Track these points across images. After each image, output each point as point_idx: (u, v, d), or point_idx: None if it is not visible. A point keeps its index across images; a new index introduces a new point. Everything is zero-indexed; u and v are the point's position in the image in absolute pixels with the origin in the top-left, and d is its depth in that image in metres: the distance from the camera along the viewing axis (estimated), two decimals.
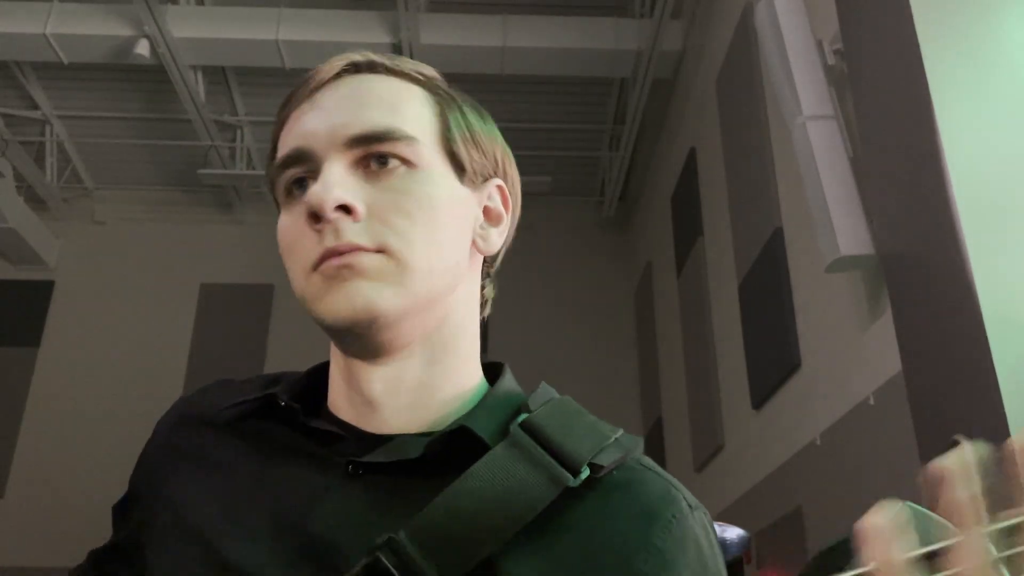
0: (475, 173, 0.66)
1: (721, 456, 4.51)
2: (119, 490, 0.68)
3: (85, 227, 7.08)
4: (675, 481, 0.61)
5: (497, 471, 0.55)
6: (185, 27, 5.12)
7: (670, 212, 5.70)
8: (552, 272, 6.73)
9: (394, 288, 0.59)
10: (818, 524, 3.16)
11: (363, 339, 0.60)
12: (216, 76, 5.86)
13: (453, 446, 0.58)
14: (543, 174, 6.14)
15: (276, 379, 0.70)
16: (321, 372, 0.69)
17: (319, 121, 0.62)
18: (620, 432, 0.61)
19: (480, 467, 0.55)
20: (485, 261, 0.70)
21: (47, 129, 6.41)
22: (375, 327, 0.59)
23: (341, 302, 0.58)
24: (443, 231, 0.62)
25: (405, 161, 0.61)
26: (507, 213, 0.69)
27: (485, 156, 0.67)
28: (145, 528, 0.63)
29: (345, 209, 0.58)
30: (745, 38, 3.99)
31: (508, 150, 0.71)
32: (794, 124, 2.89)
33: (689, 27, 5.13)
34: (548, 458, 0.56)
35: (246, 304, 6.62)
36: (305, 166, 0.61)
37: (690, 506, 0.59)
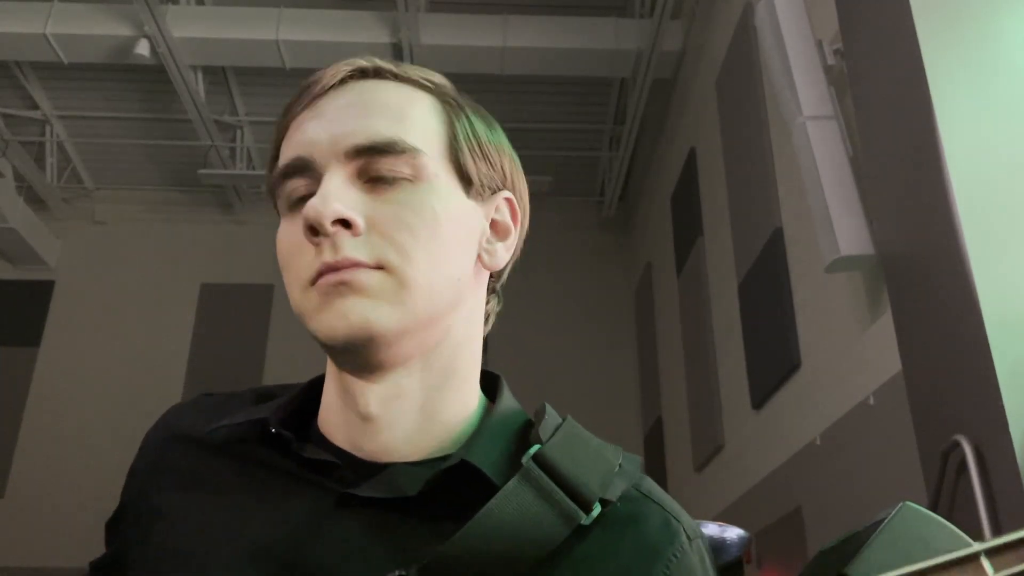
0: (482, 186, 0.63)
1: (721, 456, 4.51)
2: (118, 491, 0.68)
3: (85, 227, 7.08)
4: (675, 509, 0.60)
5: (511, 508, 0.53)
6: (185, 27, 5.13)
7: (670, 212, 5.70)
8: (552, 272, 6.73)
9: (393, 306, 0.56)
10: (818, 524, 3.15)
11: (359, 357, 0.58)
12: (216, 76, 5.86)
13: (453, 478, 0.57)
14: (543, 174, 6.14)
15: (269, 394, 0.68)
16: (313, 387, 0.66)
17: (320, 129, 0.59)
18: (621, 455, 0.61)
19: (495, 504, 0.53)
20: (491, 276, 0.68)
21: (47, 129, 6.41)
22: (372, 346, 0.57)
23: (337, 320, 0.56)
24: (446, 246, 0.59)
25: (409, 174, 0.59)
26: (515, 227, 0.67)
27: (493, 168, 0.65)
28: (131, 549, 0.61)
29: (344, 223, 0.56)
30: (745, 38, 3.99)
31: (517, 160, 0.69)
32: (794, 124, 2.89)
33: (689, 27, 5.13)
34: (561, 494, 0.55)
35: (246, 304, 6.62)
36: (306, 178, 0.59)
37: (689, 538, 0.59)
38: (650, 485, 0.61)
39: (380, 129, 0.59)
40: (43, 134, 6.45)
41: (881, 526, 0.66)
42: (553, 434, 0.59)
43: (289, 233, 0.60)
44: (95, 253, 6.99)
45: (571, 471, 0.56)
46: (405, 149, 0.58)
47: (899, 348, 2.33)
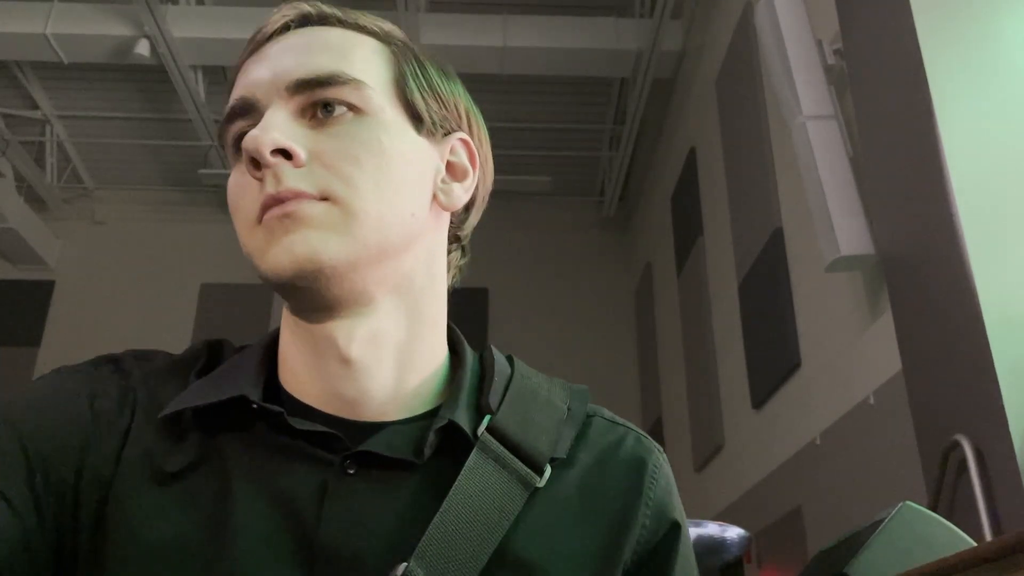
0: (434, 124, 0.62)
1: (721, 456, 4.51)
2: None
3: (85, 227, 7.08)
4: (638, 428, 0.66)
5: (477, 484, 0.56)
6: (185, 27, 5.13)
7: (670, 212, 5.70)
8: (552, 272, 6.73)
9: (340, 236, 0.55)
10: (818, 524, 3.16)
11: (313, 294, 0.56)
12: (216, 76, 5.85)
13: (443, 436, 0.58)
14: (543, 174, 6.14)
15: (215, 348, 0.66)
16: (269, 350, 0.64)
17: (263, 69, 0.59)
18: (568, 397, 0.65)
19: (463, 482, 0.56)
20: (452, 223, 0.66)
21: (47, 129, 6.41)
22: (323, 280, 0.55)
23: (283, 254, 0.54)
24: (395, 179, 0.58)
25: (352, 107, 0.57)
26: (473, 169, 0.65)
27: (446, 108, 0.63)
28: (113, 540, 0.53)
29: (285, 155, 0.55)
30: (745, 38, 3.99)
31: (476, 110, 0.67)
32: (794, 124, 2.89)
33: (689, 27, 5.13)
34: (517, 462, 0.58)
35: (246, 304, 6.62)
36: (250, 118, 0.58)
37: (659, 450, 0.65)
38: (610, 413, 0.67)
39: (322, 63, 0.58)
40: (43, 134, 6.45)
41: (881, 526, 0.66)
42: (503, 396, 0.61)
43: (236, 178, 0.59)
44: (95, 253, 6.99)
45: (521, 436, 0.59)
46: (347, 80, 0.57)
47: (899, 348, 2.33)
